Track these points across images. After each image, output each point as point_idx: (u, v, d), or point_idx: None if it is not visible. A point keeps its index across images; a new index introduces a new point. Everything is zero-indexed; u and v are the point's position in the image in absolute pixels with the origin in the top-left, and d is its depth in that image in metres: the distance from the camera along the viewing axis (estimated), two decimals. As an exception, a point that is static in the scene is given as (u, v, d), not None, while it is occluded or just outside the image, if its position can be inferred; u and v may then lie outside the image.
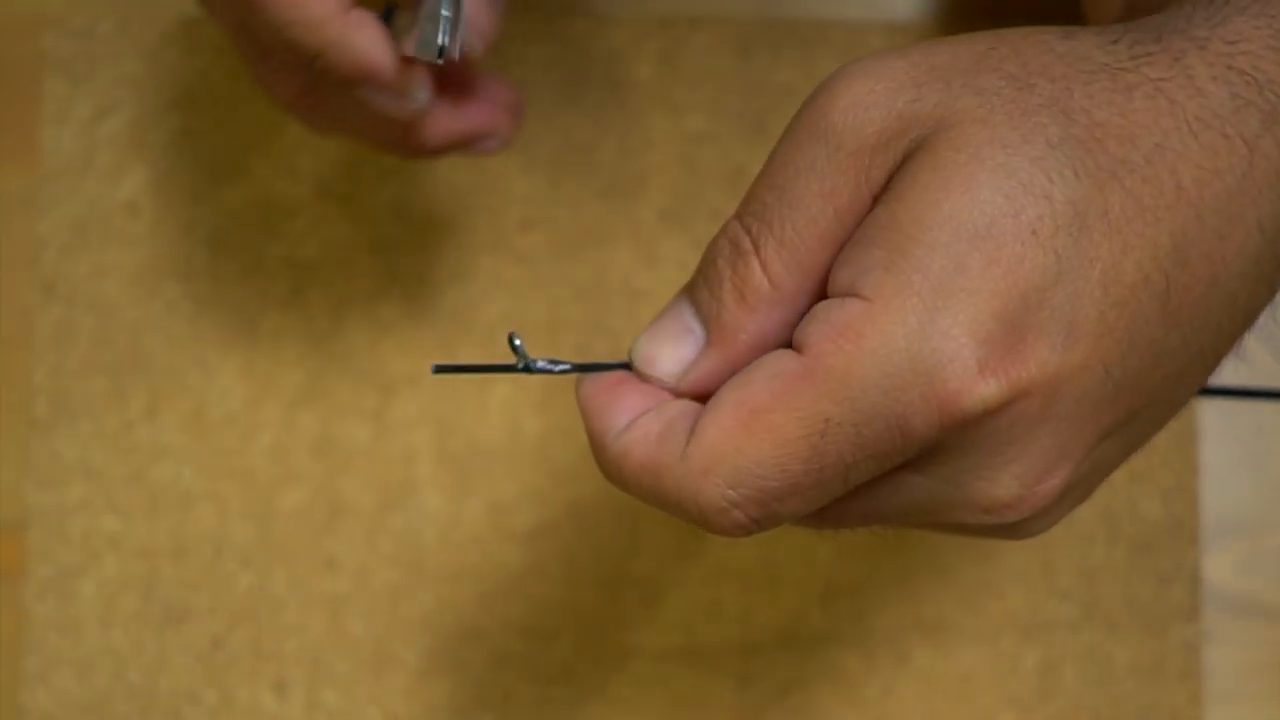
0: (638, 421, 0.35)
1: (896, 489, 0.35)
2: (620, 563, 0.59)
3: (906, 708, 0.59)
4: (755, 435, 0.33)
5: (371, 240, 0.60)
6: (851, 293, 0.33)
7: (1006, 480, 0.34)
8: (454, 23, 0.46)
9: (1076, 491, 0.36)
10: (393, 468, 0.59)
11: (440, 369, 0.38)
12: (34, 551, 0.59)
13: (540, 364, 0.38)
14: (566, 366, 0.38)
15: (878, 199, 0.34)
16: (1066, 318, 0.32)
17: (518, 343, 0.37)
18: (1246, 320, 0.35)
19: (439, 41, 0.46)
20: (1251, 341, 0.60)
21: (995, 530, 0.36)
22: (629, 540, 0.59)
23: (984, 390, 0.32)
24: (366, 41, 0.45)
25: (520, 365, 0.38)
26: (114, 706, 0.58)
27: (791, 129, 0.35)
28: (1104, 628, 0.59)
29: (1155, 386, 0.34)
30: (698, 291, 0.36)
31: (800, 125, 0.34)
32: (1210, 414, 0.60)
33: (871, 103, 0.34)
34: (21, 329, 0.59)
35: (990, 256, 0.32)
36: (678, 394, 0.36)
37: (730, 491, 0.33)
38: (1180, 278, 0.33)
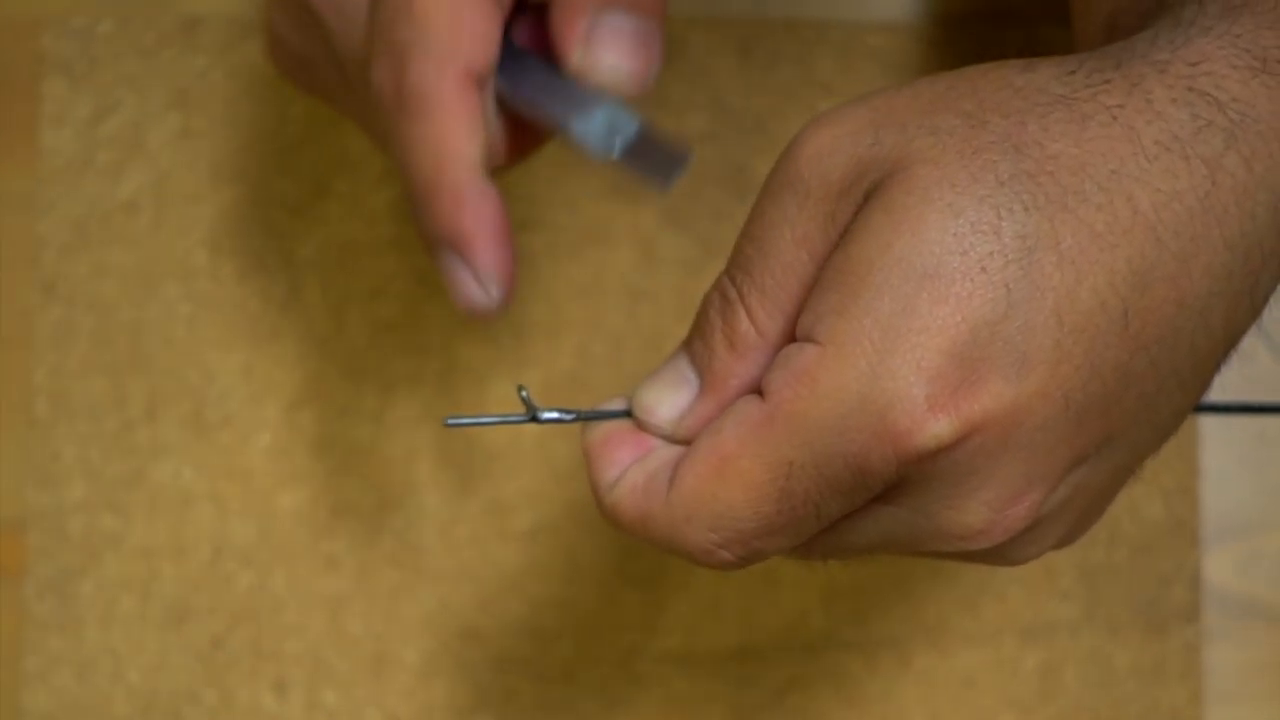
0: (626, 474, 0.37)
1: (874, 522, 0.36)
2: (621, 563, 0.59)
3: (907, 710, 0.59)
4: (727, 481, 0.35)
5: (372, 240, 0.60)
6: (809, 338, 0.34)
7: (975, 507, 0.35)
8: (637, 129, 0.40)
9: (1064, 516, 0.37)
10: (393, 468, 0.59)
11: (451, 423, 0.40)
12: (34, 551, 0.59)
13: (547, 414, 0.39)
14: (572, 416, 0.39)
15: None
16: (1019, 349, 0.33)
17: (525, 394, 0.39)
18: (1228, 337, 0.35)
19: (627, 135, 0.40)
20: (1252, 342, 0.60)
21: (978, 557, 0.37)
22: (629, 541, 0.59)
23: (934, 428, 0.33)
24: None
25: (529, 416, 0.39)
26: (114, 706, 0.58)
27: (766, 182, 0.36)
28: (1105, 629, 0.59)
29: (1129, 409, 0.35)
30: (693, 343, 0.37)
31: (773, 178, 0.36)
32: (1211, 417, 0.60)
33: (834, 149, 0.34)
34: (21, 329, 0.59)
35: (938, 295, 0.33)
36: (675, 441, 0.37)
37: (712, 534, 0.35)
38: (1141, 301, 0.33)
